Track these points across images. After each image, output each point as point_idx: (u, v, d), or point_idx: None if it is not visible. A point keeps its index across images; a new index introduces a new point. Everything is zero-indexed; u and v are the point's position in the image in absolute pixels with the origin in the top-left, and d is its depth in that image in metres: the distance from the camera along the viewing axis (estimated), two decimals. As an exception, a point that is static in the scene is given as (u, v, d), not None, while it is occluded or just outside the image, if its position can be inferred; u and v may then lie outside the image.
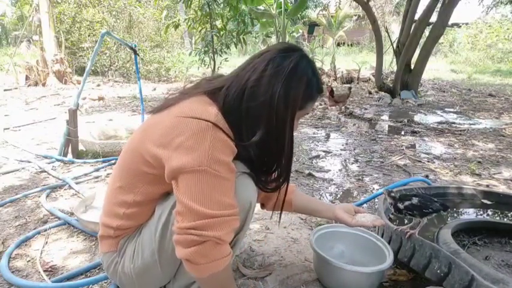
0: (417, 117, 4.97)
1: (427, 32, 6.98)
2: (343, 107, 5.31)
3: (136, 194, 0.98)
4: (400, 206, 1.27)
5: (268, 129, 0.93)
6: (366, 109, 5.61)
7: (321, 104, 5.84)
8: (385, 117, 5.05)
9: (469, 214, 1.73)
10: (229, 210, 0.86)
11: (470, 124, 4.51)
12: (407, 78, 6.72)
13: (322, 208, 1.32)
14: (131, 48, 3.14)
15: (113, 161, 2.67)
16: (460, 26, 17.11)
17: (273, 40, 10.71)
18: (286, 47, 0.97)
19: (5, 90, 7.13)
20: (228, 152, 0.88)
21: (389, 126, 4.47)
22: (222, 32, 6.78)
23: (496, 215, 1.67)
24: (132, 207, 0.99)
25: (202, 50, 7.00)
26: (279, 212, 1.22)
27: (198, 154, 0.83)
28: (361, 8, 7.85)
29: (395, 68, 7.28)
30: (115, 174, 1.04)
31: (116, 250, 1.04)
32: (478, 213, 1.73)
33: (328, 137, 3.83)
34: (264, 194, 1.21)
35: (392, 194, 1.32)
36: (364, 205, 2.01)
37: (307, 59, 0.96)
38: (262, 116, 0.92)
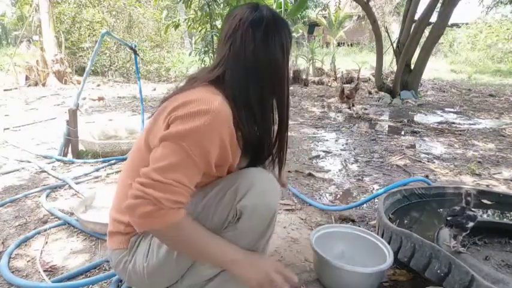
0: (417, 117, 4.97)
1: (427, 32, 6.98)
2: (351, 104, 5.41)
3: None
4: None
5: (273, 88, 0.98)
6: (365, 109, 5.61)
7: (323, 107, 5.83)
8: (385, 117, 5.05)
9: (469, 214, 1.73)
10: (180, 185, 0.86)
11: (470, 124, 4.51)
12: (407, 78, 6.71)
13: None
14: (131, 48, 3.14)
15: (112, 161, 2.68)
16: (460, 26, 17.10)
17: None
18: (251, 6, 0.99)
19: (5, 90, 7.12)
20: (216, 143, 0.88)
21: (389, 126, 4.47)
22: (222, 32, 6.77)
23: (496, 215, 1.67)
24: None
25: (202, 50, 6.99)
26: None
27: (187, 130, 0.84)
28: (361, 8, 7.85)
29: (395, 68, 7.28)
30: (126, 171, 1.05)
31: (126, 248, 1.02)
32: (478, 213, 1.72)
33: (328, 137, 3.83)
34: None
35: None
36: (364, 205, 2.01)
37: (270, 8, 1.01)
38: (267, 77, 0.96)
